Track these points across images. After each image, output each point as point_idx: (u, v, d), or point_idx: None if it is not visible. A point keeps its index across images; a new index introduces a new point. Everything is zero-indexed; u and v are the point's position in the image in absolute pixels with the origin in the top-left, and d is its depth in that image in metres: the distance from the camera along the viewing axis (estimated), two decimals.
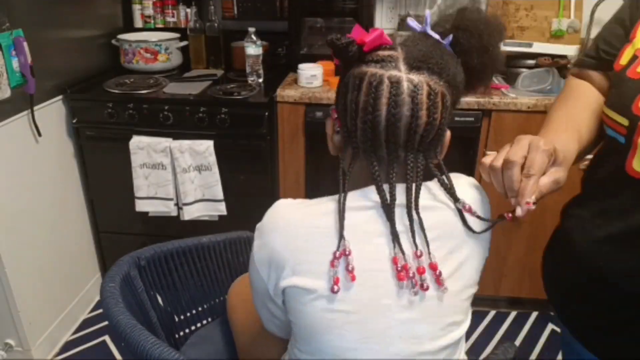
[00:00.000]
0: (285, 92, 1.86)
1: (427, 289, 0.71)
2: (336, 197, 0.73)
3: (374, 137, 0.70)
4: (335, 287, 0.69)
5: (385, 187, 0.71)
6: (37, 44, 1.69)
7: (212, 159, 1.88)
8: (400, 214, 0.72)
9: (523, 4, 2.13)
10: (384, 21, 2.29)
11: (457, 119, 1.80)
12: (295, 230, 0.73)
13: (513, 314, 2.14)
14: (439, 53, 0.71)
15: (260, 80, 2.01)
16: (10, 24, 1.57)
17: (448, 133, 0.77)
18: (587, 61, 0.93)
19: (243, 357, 1.08)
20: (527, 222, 1.91)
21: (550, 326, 2.06)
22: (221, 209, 1.96)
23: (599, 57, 0.90)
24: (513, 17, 2.16)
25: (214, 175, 1.91)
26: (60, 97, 1.90)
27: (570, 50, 2.04)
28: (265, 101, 1.85)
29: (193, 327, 1.26)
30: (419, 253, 0.71)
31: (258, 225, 0.77)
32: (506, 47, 2.09)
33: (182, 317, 1.24)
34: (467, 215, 0.75)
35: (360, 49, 0.71)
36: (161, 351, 0.75)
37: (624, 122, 0.76)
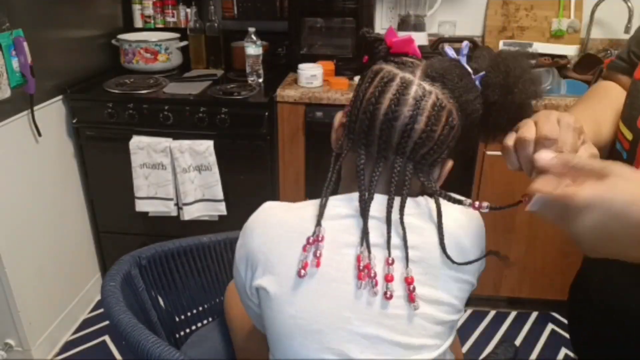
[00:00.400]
0: (285, 92, 1.86)
1: (390, 297, 0.68)
2: (319, 201, 0.72)
3: (369, 131, 0.70)
4: (302, 272, 0.69)
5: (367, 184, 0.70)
6: (37, 44, 1.70)
7: (212, 159, 1.88)
8: (379, 224, 0.70)
9: (523, 4, 2.14)
10: (384, 21, 2.29)
11: None
12: (273, 232, 0.74)
13: (513, 314, 2.14)
14: (458, 72, 0.70)
15: (260, 80, 2.01)
16: (10, 24, 1.57)
17: (450, 163, 0.75)
18: (618, 64, 0.86)
19: (239, 355, 1.09)
20: (527, 222, 1.91)
21: (551, 326, 2.06)
22: (221, 209, 1.96)
23: (630, 60, 0.84)
24: (513, 17, 2.17)
25: (214, 175, 1.91)
26: (60, 97, 1.90)
27: (570, 50, 2.04)
28: (265, 101, 1.85)
29: (193, 327, 1.26)
30: (390, 260, 0.69)
31: (243, 226, 0.79)
32: (507, 47, 2.09)
33: (182, 316, 1.24)
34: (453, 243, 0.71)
35: (387, 49, 0.73)
36: (161, 350, 0.75)
37: (629, 135, 0.71)
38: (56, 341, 1.95)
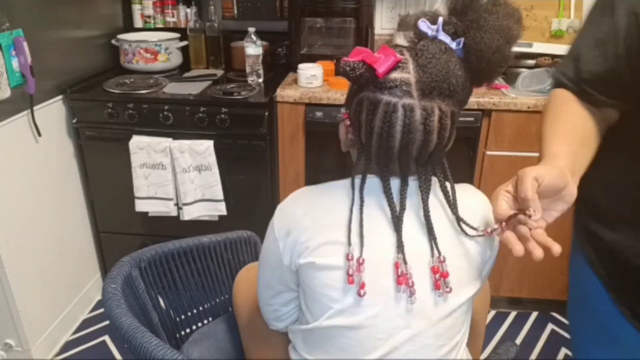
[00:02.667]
0: (285, 92, 1.86)
1: (450, 291, 0.77)
2: (347, 196, 0.79)
3: (387, 156, 0.76)
4: (362, 292, 0.76)
5: (396, 198, 0.77)
6: (37, 44, 1.69)
7: (212, 159, 1.88)
8: (411, 223, 0.78)
9: (523, 4, 2.13)
10: (384, 21, 2.29)
11: None
12: (318, 202, 0.81)
13: (513, 314, 2.14)
14: (453, 71, 0.73)
15: (260, 80, 2.01)
16: (10, 24, 1.57)
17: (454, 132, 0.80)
18: (566, 83, 0.87)
19: (248, 345, 1.09)
20: None
21: (551, 326, 2.07)
22: (221, 209, 1.96)
23: (579, 88, 0.84)
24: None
25: (214, 175, 1.91)
26: (60, 97, 1.90)
27: None
28: (265, 101, 1.85)
29: (194, 327, 1.26)
30: (442, 258, 0.76)
31: (279, 206, 0.85)
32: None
33: (183, 316, 1.24)
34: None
35: (373, 74, 0.72)
36: (164, 353, 0.75)
37: None
38: (56, 341, 1.95)
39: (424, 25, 0.76)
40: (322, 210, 0.80)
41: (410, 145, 0.73)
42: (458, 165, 1.89)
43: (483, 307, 1.12)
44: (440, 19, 0.75)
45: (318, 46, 2.16)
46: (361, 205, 0.77)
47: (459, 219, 0.78)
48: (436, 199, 0.80)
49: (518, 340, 2.00)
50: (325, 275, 0.77)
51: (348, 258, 0.75)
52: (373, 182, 0.79)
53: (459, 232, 0.78)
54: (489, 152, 1.84)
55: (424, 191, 0.77)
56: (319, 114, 1.86)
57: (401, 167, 0.77)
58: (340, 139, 0.85)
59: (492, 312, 2.14)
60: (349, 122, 0.80)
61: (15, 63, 1.60)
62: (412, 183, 0.79)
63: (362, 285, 0.75)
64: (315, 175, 1.97)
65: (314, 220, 0.79)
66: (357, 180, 0.79)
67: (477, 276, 0.82)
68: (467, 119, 1.80)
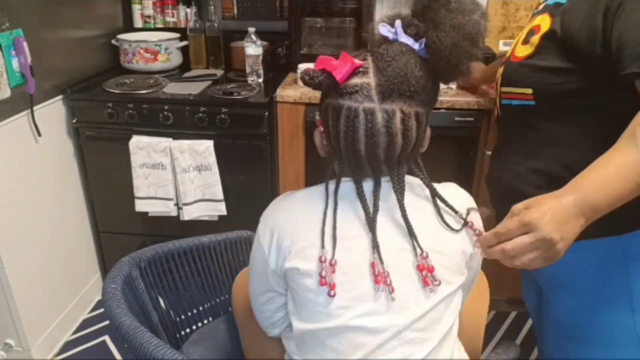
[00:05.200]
0: (285, 92, 1.86)
1: (439, 284, 0.78)
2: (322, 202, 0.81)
3: (356, 160, 0.77)
4: (332, 292, 0.77)
5: (370, 200, 0.78)
6: (37, 44, 1.69)
7: (212, 159, 1.88)
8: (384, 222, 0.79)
9: (523, 4, 2.14)
10: None
11: (456, 119, 1.80)
12: (296, 208, 0.83)
13: (513, 314, 2.14)
14: (411, 72, 0.73)
15: (260, 80, 2.01)
16: (10, 24, 1.57)
17: (428, 131, 0.82)
18: None
19: (247, 347, 1.09)
20: None
21: None
22: (221, 209, 1.96)
23: None
24: (513, 17, 2.17)
25: (214, 175, 1.91)
26: (60, 97, 1.90)
27: None
28: (265, 101, 1.85)
29: (194, 327, 1.26)
30: (425, 254, 0.77)
31: (263, 213, 0.87)
32: (506, 47, 2.09)
33: (183, 317, 1.24)
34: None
35: (333, 81, 0.74)
36: (164, 353, 0.75)
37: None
38: (56, 341, 1.95)
39: (384, 29, 0.78)
40: (301, 215, 0.81)
41: (375, 148, 0.74)
42: (458, 165, 1.89)
43: (482, 307, 1.12)
44: (398, 22, 0.77)
45: (318, 46, 2.15)
46: (335, 209, 0.79)
47: (441, 215, 0.80)
48: (416, 197, 0.82)
49: (518, 340, 2.00)
50: (308, 280, 0.78)
51: (321, 260, 0.76)
52: (347, 185, 0.81)
53: (441, 227, 0.80)
54: (488, 152, 1.84)
55: (399, 192, 0.78)
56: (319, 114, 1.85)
57: (372, 169, 0.78)
58: (316, 144, 0.87)
59: (492, 312, 2.14)
60: (322, 129, 0.82)
61: (15, 63, 1.60)
62: (387, 184, 0.80)
63: (332, 287, 0.76)
64: (315, 175, 1.97)
65: (294, 226, 0.81)
66: (332, 185, 0.81)
67: (462, 267, 0.84)
68: (467, 119, 1.80)
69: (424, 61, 0.76)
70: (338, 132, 0.76)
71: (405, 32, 0.77)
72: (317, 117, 0.84)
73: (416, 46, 0.76)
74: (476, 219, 0.85)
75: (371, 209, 0.78)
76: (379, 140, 0.74)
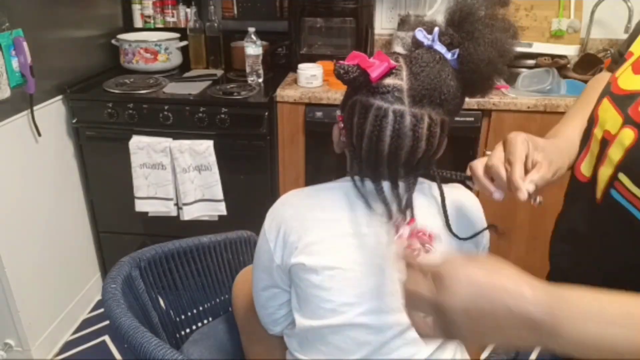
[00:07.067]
0: (285, 92, 1.86)
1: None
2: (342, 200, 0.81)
3: (376, 160, 0.77)
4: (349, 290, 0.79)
5: (390, 199, 0.78)
6: (37, 44, 1.69)
7: (212, 159, 1.88)
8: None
9: (523, 4, 2.13)
10: (384, 21, 2.29)
11: (456, 119, 1.79)
12: (303, 204, 0.83)
13: None
14: (444, 81, 0.74)
15: (260, 80, 2.01)
16: (10, 24, 1.57)
17: (445, 141, 0.83)
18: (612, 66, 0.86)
19: (247, 346, 1.10)
20: (527, 222, 1.92)
21: None
22: (221, 209, 1.96)
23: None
24: (513, 17, 2.16)
25: (214, 175, 1.91)
26: (60, 97, 1.90)
27: (570, 50, 2.04)
28: (265, 101, 1.85)
29: (194, 327, 1.26)
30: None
31: (270, 209, 0.87)
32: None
33: (183, 317, 1.24)
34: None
35: (367, 79, 0.73)
36: (164, 353, 0.75)
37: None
38: (56, 341, 1.95)
39: (420, 35, 0.78)
40: (308, 212, 0.82)
41: (399, 150, 0.75)
42: (458, 165, 1.89)
43: None
44: (437, 29, 0.77)
45: (318, 46, 2.16)
46: (352, 207, 0.79)
47: (449, 224, 0.81)
48: (427, 200, 0.83)
49: None
50: (314, 276, 0.79)
51: (336, 258, 0.77)
52: (350, 185, 0.82)
53: (445, 230, 0.82)
54: (488, 152, 1.83)
55: (411, 195, 0.79)
56: (318, 114, 1.86)
57: (390, 171, 0.78)
58: (333, 140, 0.87)
59: None
60: (342, 125, 0.81)
61: (15, 63, 1.60)
62: (401, 186, 0.80)
63: (346, 284, 0.77)
64: (315, 175, 1.97)
65: (301, 222, 0.81)
66: (350, 183, 0.81)
67: None
68: (467, 119, 1.81)
69: (456, 72, 0.77)
70: (363, 130, 0.76)
71: (440, 40, 0.77)
72: (338, 113, 0.83)
73: (448, 55, 0.76)
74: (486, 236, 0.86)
75: (388, 210, 0.77)
76: (404, 143, 0.74)
